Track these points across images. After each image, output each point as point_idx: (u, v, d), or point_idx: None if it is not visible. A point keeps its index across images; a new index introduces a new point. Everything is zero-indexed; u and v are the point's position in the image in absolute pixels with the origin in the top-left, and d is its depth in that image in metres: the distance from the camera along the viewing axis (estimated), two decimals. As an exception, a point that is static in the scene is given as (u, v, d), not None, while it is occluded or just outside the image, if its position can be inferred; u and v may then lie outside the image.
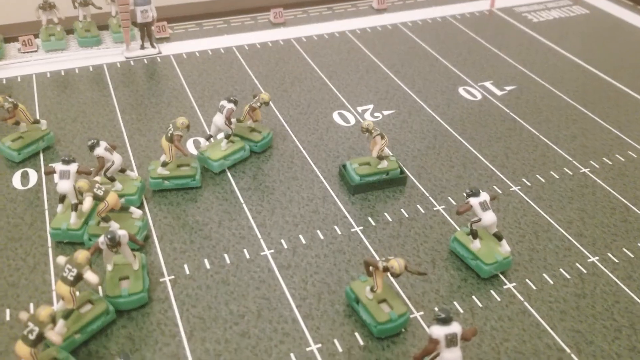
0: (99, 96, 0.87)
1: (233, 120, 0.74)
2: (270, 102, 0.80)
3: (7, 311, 0.55)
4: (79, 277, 0.49)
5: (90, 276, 0.50)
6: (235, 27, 1.10)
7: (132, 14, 0.95)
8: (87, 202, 0.58)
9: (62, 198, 0.63)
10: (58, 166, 0.62)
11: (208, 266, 0.60)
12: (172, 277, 0.59)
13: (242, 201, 0.69)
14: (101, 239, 0.53)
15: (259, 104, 0.74)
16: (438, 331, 0.45)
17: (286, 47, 1.03)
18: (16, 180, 0.71)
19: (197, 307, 0.56)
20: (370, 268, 0.52)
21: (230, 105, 0.72)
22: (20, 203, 0.67)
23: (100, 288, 0.56)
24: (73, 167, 0.61)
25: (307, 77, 0.94)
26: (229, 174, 0.73)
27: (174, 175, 0.69)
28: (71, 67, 0.94)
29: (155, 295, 0.57)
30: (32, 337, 0.45)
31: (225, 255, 0.62)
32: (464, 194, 0.61)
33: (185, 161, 0.71)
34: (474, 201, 0.59)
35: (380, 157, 0.70)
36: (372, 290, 0.54)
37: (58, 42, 0.97)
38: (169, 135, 0.67)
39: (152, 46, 0.98)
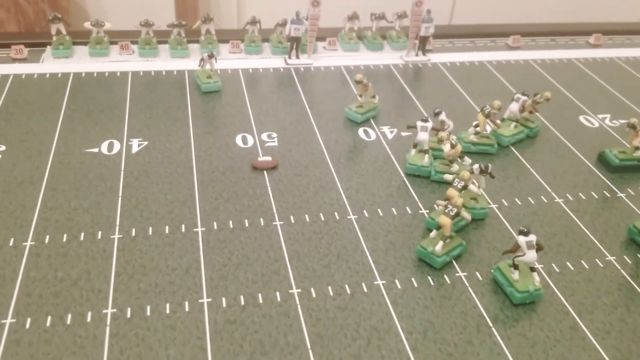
0: (396, 86, 1.16)
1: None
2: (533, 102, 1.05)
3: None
4: (464, 187, 0.76)
5: (473, 188, 0.77)
6: (479, 46, 1.37)
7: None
8: (447, 147, 0.85)
9: (415, 145, 0.90)
10: (419, 123, 0.89)
11: (519, 203, 0.86)
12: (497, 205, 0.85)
13: (528, 166, 0.94)
14: (475, 165, 0.79)
15: (542, 99, 1.00)
16: (521, 239, 0.68)
17: (524, 66, 1.29)
18: (361, 133, 1.00)
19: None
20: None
21: (525, 97, 0.98)
22: (371, 148, 0.96)
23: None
24: (429, 124, 0.89)
25: (546, 88, 1.18)
26: (512, 147, 0.99)
27: (480, 142, 0.96)
28: (366, 64, 1.25)
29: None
30: (452, 213, 0.71)
31: (530, 198, 0.87)
32: None
33: (486, 134, 0.97)
34: None
35: (637, 148, 0.93)
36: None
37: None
38: (486, 112, 0.94)
39: (424, 55, 1.27)
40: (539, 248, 0.68)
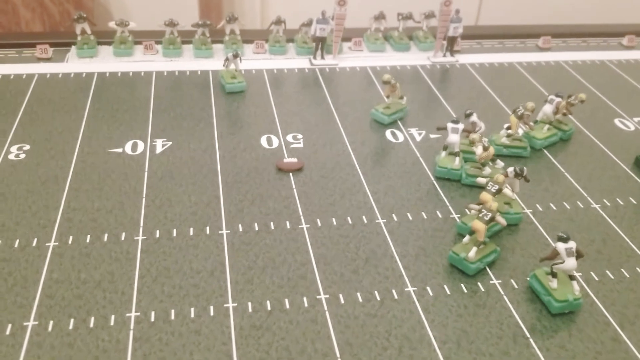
0: (424, 87, 1.14)
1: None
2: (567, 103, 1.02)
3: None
4: (499, 191, 0.73)
5: (508, 192, 0.74)
6: (508, 47, 1.34)
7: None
8: (479, 149, 0.82)
9: (446, 147, 0.88)
10: (449, 124, 0.87)
11: (554, 208, 0.83)
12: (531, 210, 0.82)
13: (562, 170, 0.91)
14: (510, 169, 0.77)
15: (576, 101, 0.96)
16: (560, 246, 0.65)
17: (555, 68, 1.25)
18: (388, 135, 0.98)
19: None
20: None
21: (559, 99, 0.95)
22: (399, 150, 0.94)
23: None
24: (460, 126, 0.86)
25: (579, 90, 1.14)
26: (545, 151, 0.96)
27: (512, 145, 0.93)
28: (393, 65, 1.22)
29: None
30: (486, 218, 0.69)
31: (565, 203, 0.84)
32: None
33: (518, 137, 0.94)
34: None
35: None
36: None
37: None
38: (519, 114, 0.91)
39: (452, 55, 1.24)
40: (578, 255, 0.65)
